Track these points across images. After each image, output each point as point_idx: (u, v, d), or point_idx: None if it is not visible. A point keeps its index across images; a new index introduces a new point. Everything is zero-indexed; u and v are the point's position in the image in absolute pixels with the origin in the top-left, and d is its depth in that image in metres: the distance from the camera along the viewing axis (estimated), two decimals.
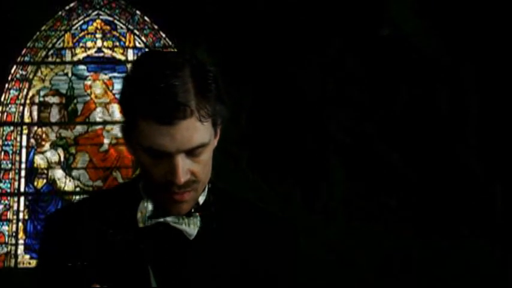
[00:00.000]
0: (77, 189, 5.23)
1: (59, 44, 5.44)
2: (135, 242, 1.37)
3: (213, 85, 1.33)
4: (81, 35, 5.49)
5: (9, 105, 5.29)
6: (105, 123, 5.35)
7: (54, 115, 5.34)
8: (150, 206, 1.37)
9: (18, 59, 5.35)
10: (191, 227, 1.36)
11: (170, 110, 1.26)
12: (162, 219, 1.36)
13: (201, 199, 1.41)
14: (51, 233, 1.43)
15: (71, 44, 5.45)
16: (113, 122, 5.29)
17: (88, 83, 5.40)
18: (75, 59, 5.43)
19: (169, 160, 1.29)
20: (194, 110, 1.28)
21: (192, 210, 1.37)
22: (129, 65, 5.34)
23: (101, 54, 5.47)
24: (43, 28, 5.41)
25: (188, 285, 1.36)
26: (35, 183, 5.21)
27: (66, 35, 5.46)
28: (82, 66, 5.43)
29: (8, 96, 5.30)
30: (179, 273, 1.36)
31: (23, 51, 5.37)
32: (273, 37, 5.07)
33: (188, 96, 1.28)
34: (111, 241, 1.37)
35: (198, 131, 1.29)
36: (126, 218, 1.38)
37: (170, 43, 5.35)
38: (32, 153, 5.25)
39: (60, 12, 5.46)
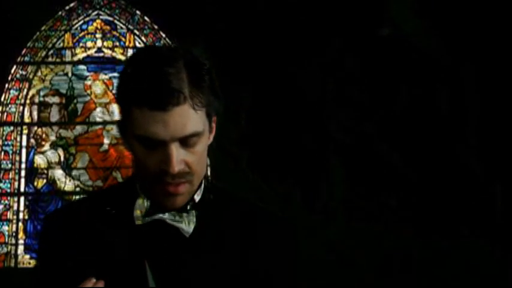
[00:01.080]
0: (77, 189, 5.23)
1: (59, 44, 5.44)
2: (132, 240, 1.37)
3: (207, 77, 1.34)
4: (81, 35, 5.49)
5: (9, 105, 5.29)
6: (105, 123, 5.35)
7: (54, 115, 5.34)
8: (147, 204, 1.38)
9: (18, 59, 5.35)
10: (187, 225, 1.37)
11: (164, 95, 1.27)
12: (158, 217, 1.36)
13: (197, 197, 1.41)
14: (50, 232, 1.44)
15: (71, 44, 5.45)
16: (113, 122, 5.27)
17: (88, 83, 5.40)
18: (75, 59, 5.43)
19: (163, 149, 1.30)
20: (187, 97, 1.29)
21: (188, 208, 1.38)
22: None
23: (101, 54, 5.47)
24: (43, 28, 5.41)
25: (185, 282, 1.36)
26: (35, 183, 5.21)
27: (66, 35, 5.46)
28: (82, 66, 5.43)
29: (8, 96, 5.30)
30: (176, 270, 1.36)
31: (23, 51, 5.37)
32: (273, 37, 5.07)
33: (182, 84, 1.29)
34: (109, 239, 1.37)
35: (192, 119, 1.30)
36: (123, 216, 1.39)
37: (170, 43, 5.34)
38: (32, 153, 5.25)
39: (60, 12, 5.46)
